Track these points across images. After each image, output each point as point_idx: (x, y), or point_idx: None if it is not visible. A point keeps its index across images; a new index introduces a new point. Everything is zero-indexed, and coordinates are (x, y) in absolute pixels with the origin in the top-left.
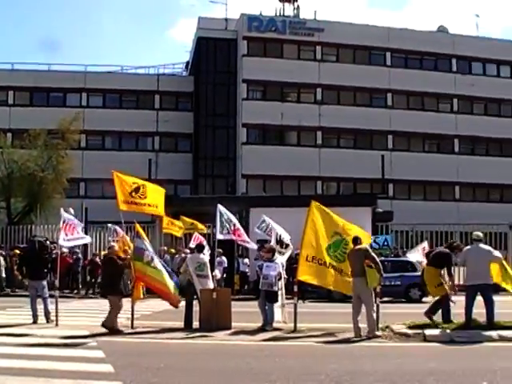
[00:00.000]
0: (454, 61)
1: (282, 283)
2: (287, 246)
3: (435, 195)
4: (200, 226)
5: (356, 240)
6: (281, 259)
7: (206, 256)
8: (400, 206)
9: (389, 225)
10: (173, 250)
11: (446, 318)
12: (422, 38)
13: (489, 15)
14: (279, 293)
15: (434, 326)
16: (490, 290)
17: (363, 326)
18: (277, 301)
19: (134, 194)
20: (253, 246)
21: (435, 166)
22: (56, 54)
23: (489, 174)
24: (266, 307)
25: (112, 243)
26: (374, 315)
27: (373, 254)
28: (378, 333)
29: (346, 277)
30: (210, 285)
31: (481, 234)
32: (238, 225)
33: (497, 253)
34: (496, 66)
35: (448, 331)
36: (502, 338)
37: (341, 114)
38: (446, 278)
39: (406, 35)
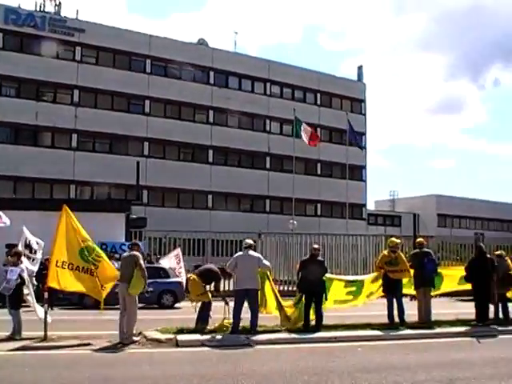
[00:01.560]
0: (211, 73)
1: (30, 289)
2: (36, 251)
3: (189, 203)
4: None
5: (134, 246)
6: (27, 264)
7: None
8: (154, 213)
9: (142, 231)
10: None
11: (204, 322)
12: (183, 48)
13: (246, 33)
14: (29, 298)
15: (202, 331)
16: (256, 296)
17: (115, 332)
18: (17, 307)
19: None
20: None
21: (189, 175)
22: None
23: (240, 184)
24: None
25: None
26: (135, 321)
27: (141, 262)
28: (136, 338)
29: (96, 279)
30: None
31: (251, 241)
32: None
33: (266, 261)
34: (251, 82)
35: (199, 336)
36: (258, 342)
37: (97, 117)
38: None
39: (167, 44)
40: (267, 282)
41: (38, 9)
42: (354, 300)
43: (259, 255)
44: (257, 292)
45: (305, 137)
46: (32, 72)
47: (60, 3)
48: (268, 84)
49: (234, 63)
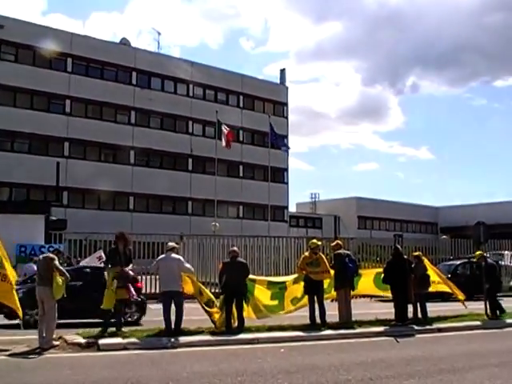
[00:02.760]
0: (134, 74)
1: None
2: None
3: (110, 205)
4: None
5: (54, 251)
6: None
7: None
8: (74, 215)
9: (62, 233)
10: None
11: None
12: (105, 48)
13: (169, 34)
14: None
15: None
16: (181, 296)
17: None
18: None
19: None
20: None
21: (111, 176)
22: None
23: (162, 186)
24: None
25: None
26: (55, 325)
27: (56, 263)
28: (56, 342)
29: (8, 283)
30: None
31: (173, 244)
32: None
33: (187, 264)
34: (173, 83)
35: (121, 340)
36: (181, 345)
37: (15, 117)
38: None
39: (89, 43)
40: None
41: None
42: (279, 308)
43: (180, 257)
44: (180, 294)
45: (224, 139)
46: None
47: None
48: (191, 85)
49: (156, 64)
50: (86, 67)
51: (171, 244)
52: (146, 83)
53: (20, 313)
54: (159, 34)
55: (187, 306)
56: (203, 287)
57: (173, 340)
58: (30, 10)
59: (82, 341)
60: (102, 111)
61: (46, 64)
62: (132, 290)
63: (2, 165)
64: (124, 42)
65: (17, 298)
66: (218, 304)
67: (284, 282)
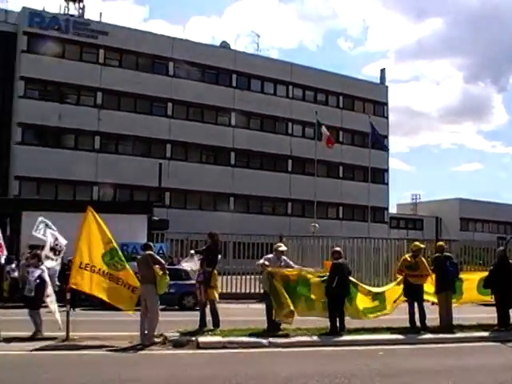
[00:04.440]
0: (234, 76)
1: (50, 290)
2: (59, 252)
3: (211, 205)
4: None
5: (146, 246)
6: (51, 264)
7: None
8: (176, 215)
9: (164, 233)
10: None
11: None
12: (205, 51)
13: (267, 37)
14: (48, 300)
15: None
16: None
17: (136, 333)
18: (36, 308)
19: None
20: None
21: (211, 177)
22: None
23: (262, 187)
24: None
25: None
26: (157, 322)
27: (156, 257)
28: (157, 339)
29: (122, 286)
30: None
31: (284, 248)
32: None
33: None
34: (273, 84)
35: (221, 338)
36: (280, 345)
37: (121, 119)
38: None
39: (189, 47)
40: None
41: (62, 12)
42: (381, 309)
43: (285, 258)
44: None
45: (324, 139)
46: (56, 74)
47: (84, 6)
48: (290, 87)
49: (256, 66)
50: (186, 70)
51: (283, 248)
52: (245, 85)
53: (132, 311)
54: (258, 36)
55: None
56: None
57: (271, 340)
58: (132, 18)
59: (182, 338)
60: (202, 113)
61: (148, 68)
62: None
63: (107, 165)
64: (224, 45)
65: (132, 301)
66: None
67: (384, 292)
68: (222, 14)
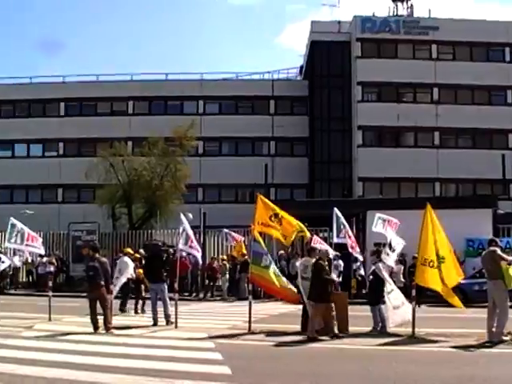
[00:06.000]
0: None
1: (391, 285)
2: (394, 249)
3: None
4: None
5: (491, 242)
6: (390, 261)
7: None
8: None
9: (511, 227)
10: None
11: None
12: None
13: None
14: (387, 296)
15: None
16: None
17: (471, 331)
18: (378, 303)
19: (272, 218)
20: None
21: None
22: (172, 65)
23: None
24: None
25: None
26: (506, 319)
27: (500, 253)
28: (506, 338)
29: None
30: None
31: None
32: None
33: None
34: None
35: None
36: None
37: (458, 113)
38: None
39: None
40: None
41: (391, 14)
42: None
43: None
44: None
45: None
46: (391, 75)
47: (412, 5)
48: None
49: None
50: None
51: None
52: None
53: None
54: None
55: None
56: None
57: None
58: (458, 7)
59: None
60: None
61: (483, 57)
62: None
63: (447, 160)
64: None
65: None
66: None
67: None
68: None
